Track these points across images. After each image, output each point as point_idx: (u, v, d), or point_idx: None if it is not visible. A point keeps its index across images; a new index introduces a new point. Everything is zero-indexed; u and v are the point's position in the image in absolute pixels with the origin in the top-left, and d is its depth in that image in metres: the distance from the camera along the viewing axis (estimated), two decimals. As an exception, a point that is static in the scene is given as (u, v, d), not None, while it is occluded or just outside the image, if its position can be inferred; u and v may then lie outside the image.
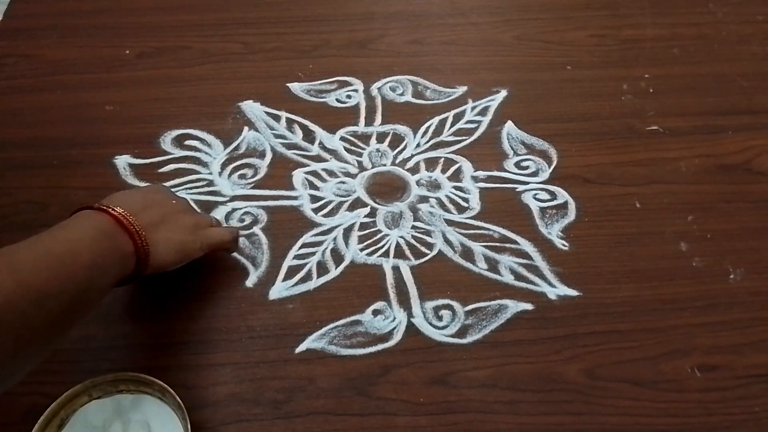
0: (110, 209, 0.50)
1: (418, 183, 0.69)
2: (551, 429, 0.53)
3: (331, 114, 0.75)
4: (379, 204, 0.67)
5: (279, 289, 0.61)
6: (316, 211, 0.66)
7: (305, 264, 0.62)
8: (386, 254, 0.63)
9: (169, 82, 0.78)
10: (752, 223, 0.66)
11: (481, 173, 0.70)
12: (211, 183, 0.69)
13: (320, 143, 0.72)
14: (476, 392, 0.54)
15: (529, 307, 0.59)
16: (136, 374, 0.51)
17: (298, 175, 0.69)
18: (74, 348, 0.56)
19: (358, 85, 0.78)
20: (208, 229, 0.58)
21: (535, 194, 0.68)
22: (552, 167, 0.70)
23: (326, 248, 0.63)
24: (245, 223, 0.65)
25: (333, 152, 0.72)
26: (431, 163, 0.71)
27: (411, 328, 0.58)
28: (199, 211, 0.62)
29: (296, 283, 0.61)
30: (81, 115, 0.75)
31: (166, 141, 0.72)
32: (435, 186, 0.69)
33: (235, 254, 0.63)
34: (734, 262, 0.62)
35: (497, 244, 0.64)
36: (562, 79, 0.79)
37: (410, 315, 0.59)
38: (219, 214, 0.66)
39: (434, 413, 0.53)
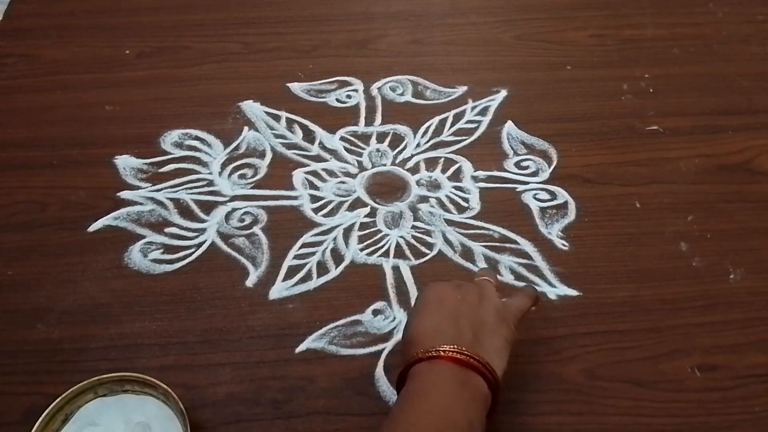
0: (453, 356, 0.44)
1: (418, 183, 0.69)
2: (551, 429, 0.52)
3: (331, 114, 0.75)
4: (379, 204, 0.67)
5: (279, 289, 0.61)
6: (316, 211, 0.66)
7: (305, 264, 0.62)
8: (386, 254, 0.63)
9: (169, 82, 0.78)
10: (752, 223, 0.66)
11: (481, 173, 0.70)
12: (211, 183, 0.69)
13: (320, 143, 0.72)
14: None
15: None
16: (143, 376, 0.51)
17: (298, 175, 0.69)
18: (74, 348, 0.56)
19: (358, 85, 0.78)
20: (509, 306, 0.51)
21: (535, 194, 0.68)
22: (552, 167, 0.70)
23: (326, 248, 0.63)
24: (245, 223, 0.65)
25: (333, 152, 0.72)
26: (431, 163, 0.71)
27: (411, 328, 0.58)
28: (475, 284, 0.52)
29: (296, 283, 0.61)
30: (81, 115, 0.75)
31: (166, 141, 0.72)
32: (435, 186, 0.69)
33: (235, 254, 0.63)
34: (734, 262, 0.62)
35: (497, 244, 0.64)
36: (562, 79, 0.79)
37: (410, 315, 0.59)
38: (219, 214, 0.66)
39: (434, 413, 0.53)
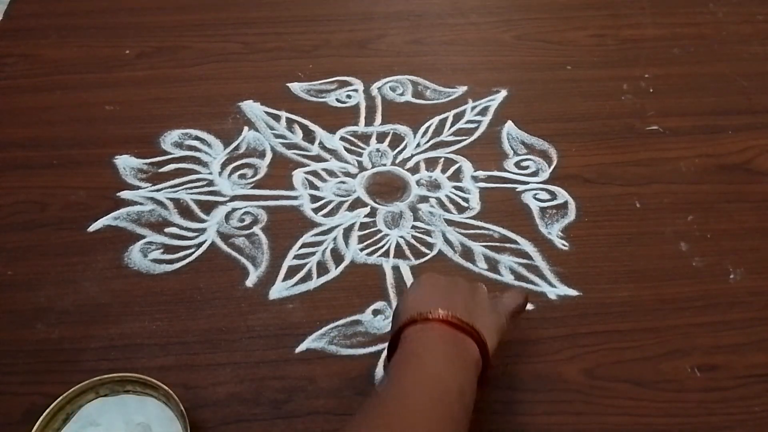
0: (446, 318, 0.45)
1: (418, 183, 0.69)
2: (551, 429, 0.52)
3: (331, 114, 0.75)
4: (379, 204, 0.67)
5: (279, 289, 0.61)
6: (316, 211, 0.66)
7: (305, 264, 0.62)
8: (386, 254, 0.63)
9: (169, 82, 0.78)
10: (752, 223, 0.66)
11: (481, 173, 0.70)
12: (211, 183, 0.69)
13: (320, 143, 0.72)
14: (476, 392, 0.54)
15: (529, 307, 0.59)
16: (144, 377, 0.51)
17: (298, 175, 0.69)
18: (74, 348, 0.56)
19: (358, 85, 0.78)
20: (500, 299, 0.52)
21: (535, 194, 0.68)
22: (552, 167, 0.70)
23: (326, 248, 0.63)
24: (245, 223, 0.65)
25: (333, 152, 0.72)
26: (431, 163, 0.71)
27: (411, 328, 0.58)
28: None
29: (296, 283, 0.61)
30: (81, 115, 0.75)
31: (166, 141, 0.72)
32: (435, 186, 0.69)
33: (235, 254, 0.63)
34: (734, 262, 0.62)
35: (497, 244, 0.64)
36: (562, 79, 0.79)
37: (410, 315, 0.59)
38: (219, 214, 0.66)
39: (434, 413, 0.53)
